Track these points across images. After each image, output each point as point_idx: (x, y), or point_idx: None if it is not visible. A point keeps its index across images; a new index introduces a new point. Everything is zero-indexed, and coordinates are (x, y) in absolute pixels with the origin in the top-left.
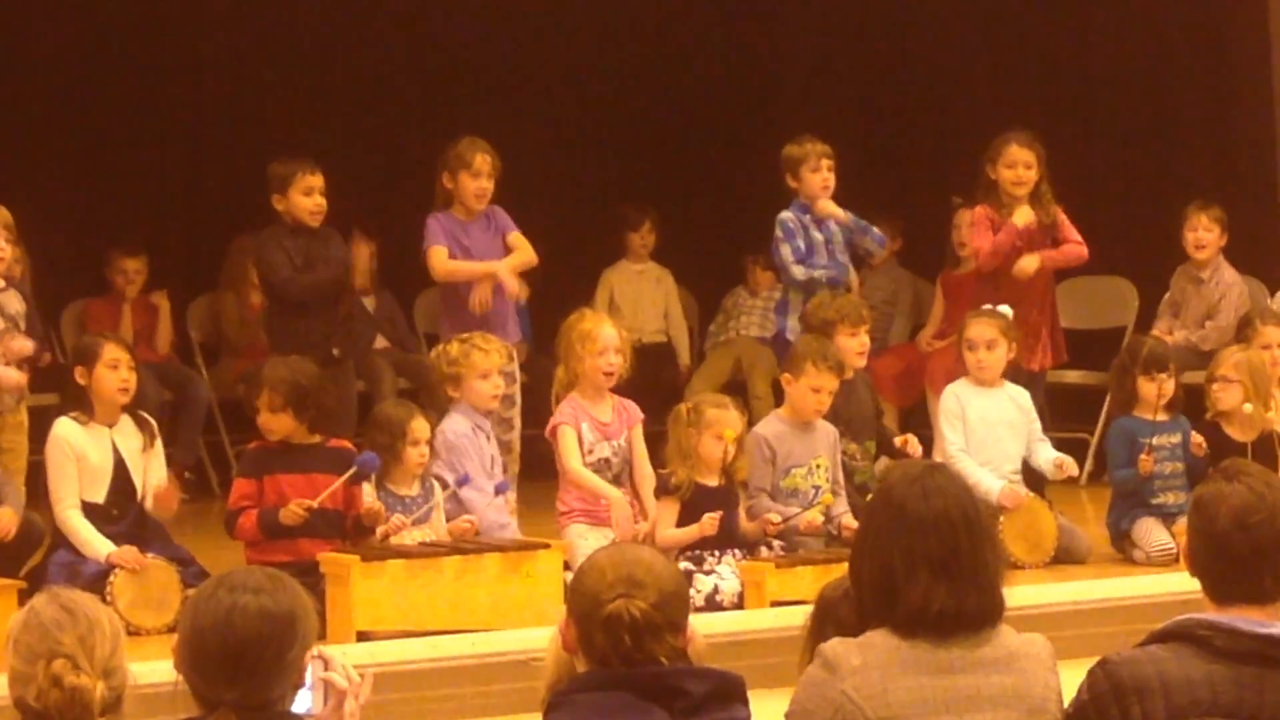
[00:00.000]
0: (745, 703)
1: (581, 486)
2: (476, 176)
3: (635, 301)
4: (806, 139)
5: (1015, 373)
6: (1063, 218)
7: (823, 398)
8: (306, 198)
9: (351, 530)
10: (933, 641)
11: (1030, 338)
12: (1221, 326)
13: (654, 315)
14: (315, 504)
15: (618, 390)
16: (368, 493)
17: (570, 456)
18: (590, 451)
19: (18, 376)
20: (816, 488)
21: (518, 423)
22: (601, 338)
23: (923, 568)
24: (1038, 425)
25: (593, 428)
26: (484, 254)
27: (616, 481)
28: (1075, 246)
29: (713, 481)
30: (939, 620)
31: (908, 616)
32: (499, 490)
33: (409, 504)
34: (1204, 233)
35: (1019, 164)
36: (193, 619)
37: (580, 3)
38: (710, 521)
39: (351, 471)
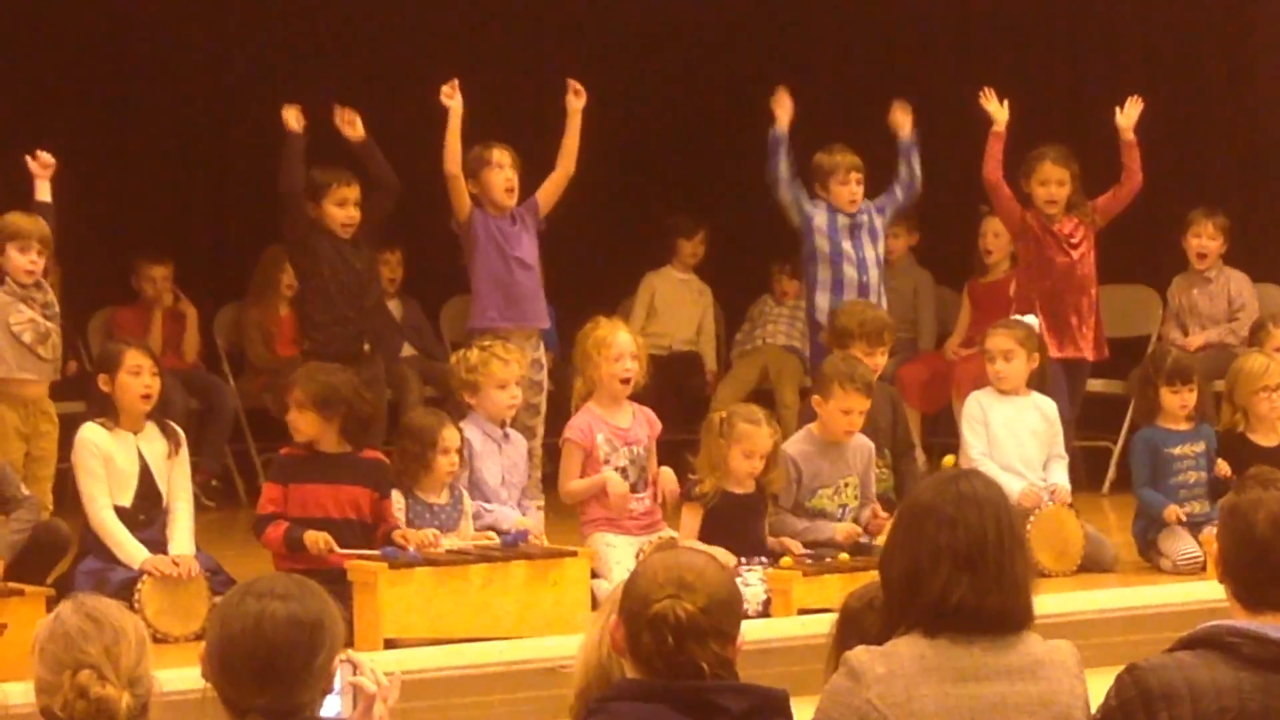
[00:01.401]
0: (788, 717)
1: (577, 497)
2: (500, 168)
3: (675, 308)
4: (837, 149)
5: (1068, 364)
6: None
7: (853, 418)
8: (339, 209)
9: (381, 543)
10: (954, 640)
11: (1081, 325)
12: (1251, 311)
13: (688, 325)
14: (340, 553)
15: (645, 398)
16: (394, 502)
17: (565, 477)
18: (607, 461)
19: None
20: (844, 507)
21: (540, 430)
22: (616, 344)
23: (947, 560)
24: (1060, 440)
25: (609, 436)
26: (521, 247)
27: (634, 489)
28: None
29: (741, 490)
30: (958, 615)
31: (928, 609)
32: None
33: (438, 512)
34: (1208, 240)
35: (1051, 181)
36: (221, 627)
37: (594, 7)
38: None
39: (381, 553)
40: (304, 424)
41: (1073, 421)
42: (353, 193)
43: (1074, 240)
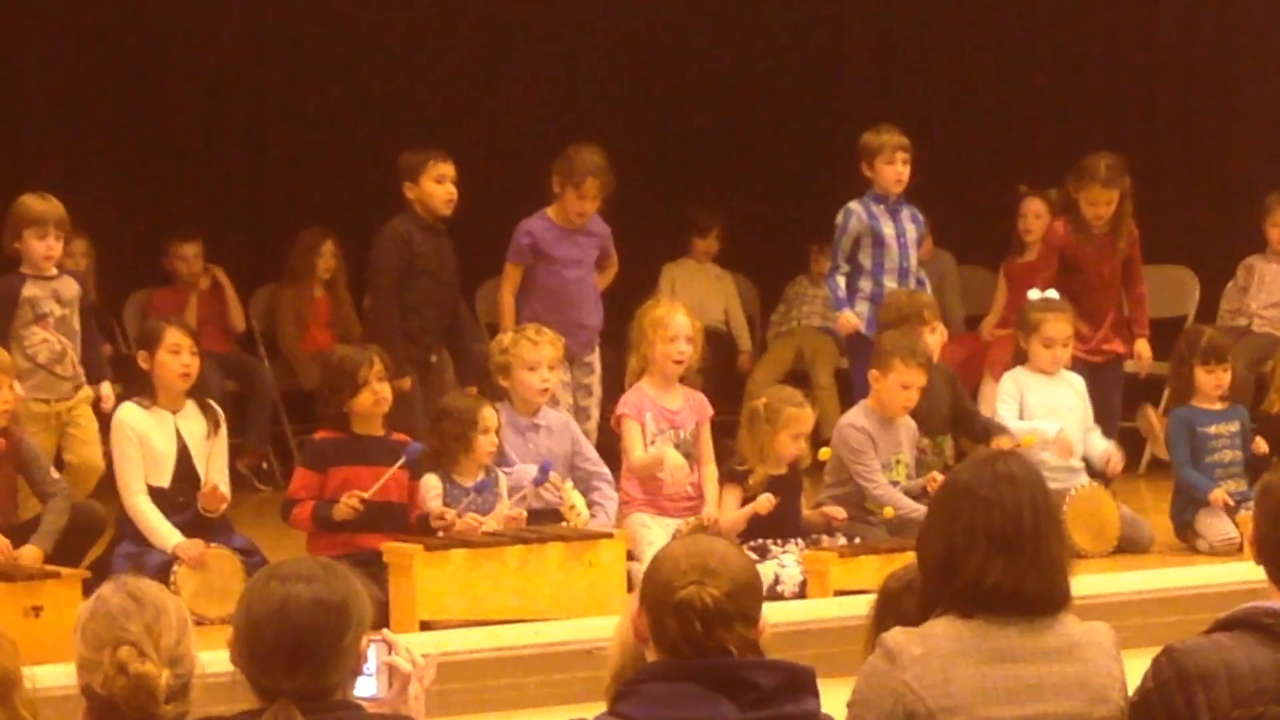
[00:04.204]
0: (815, 694)
1: (643, 471)
2: (583, 199)
3: (697, 294)
4: (884, 129)
5: (1112, 361)
6: (1136, 253)
7: (911, 394)
8: (439, 185)
9: (416, 528)
10: (990, 621)
11: (1112, 323)
12: None
13: (713, 304)
14: (368, 495)
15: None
16: (432, 486)
17: (634, 450)
18: (652, 441)
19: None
20: (895, 483)
21: (595, 413)
22: (673, 325)
23: (983, 541)
24: (1090, 414)
25: (657, 416)
26: (571, 263)
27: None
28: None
29: (777, 471)
30: (994, 596)
31: (964, 589)
32: (541, 474)
33: (472, 493)
34: None
35: (1100, 203)
36: (248, 611)
37: None
38: (765, 501)
39: (401, 461)
40: (385, 394)
41: (1117, 414)
42: (449, 169)
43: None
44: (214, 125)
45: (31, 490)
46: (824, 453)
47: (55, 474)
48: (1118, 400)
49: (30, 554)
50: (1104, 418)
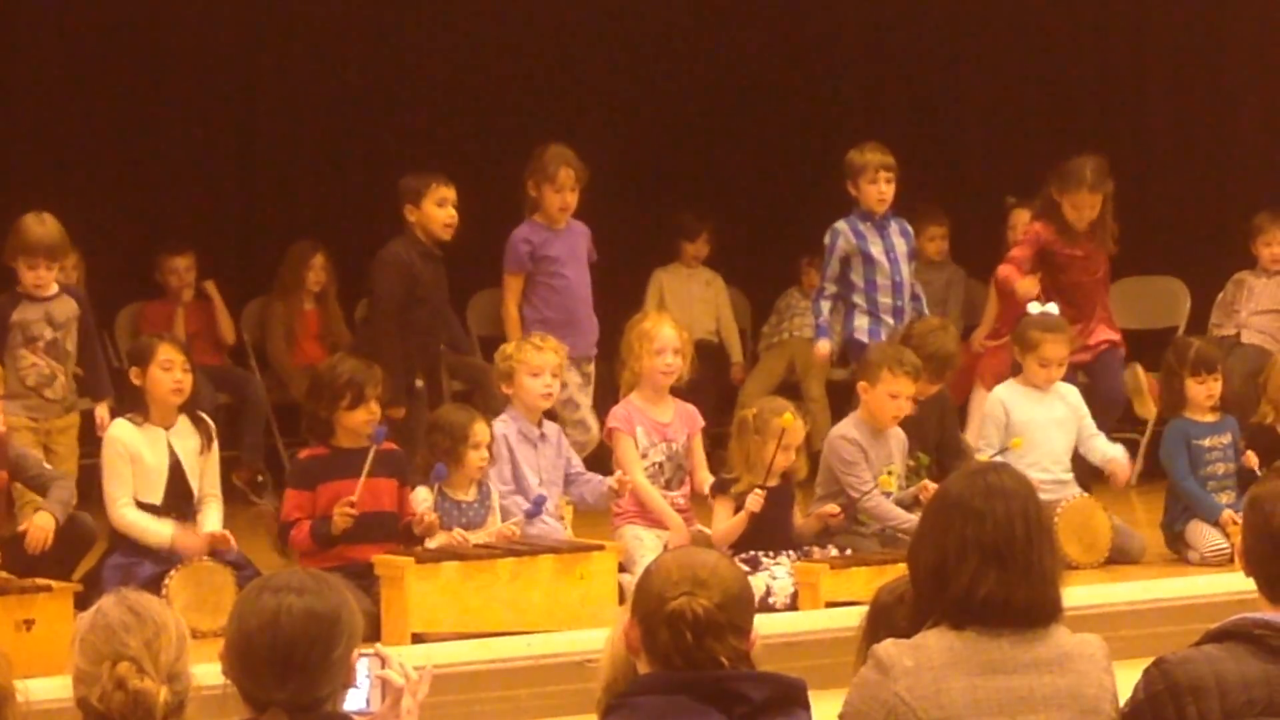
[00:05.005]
0: (806, 707)
1: (645, 503)
2: (559, 191)
3: (686, 301)
4: (869, 147)
5: (1107, 351)
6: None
7: (900, 403)
8: (440, 209)
9: (404, 537)
10: (981, 632)
11: (1099, 320)
12: None
13: (704, 314)
14: (355, 497)
15: (673, 389)
16: (424, 498)
17: (634, 468)
18: (644, 455)
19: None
20: (888, 494)
21: (593, 423)
22: (660, 337)
23: (975, 553)
24: (1089, 420)
25: (649, 430)
26: (569, 260)
27: (667, 486)
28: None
29: (770, 482)
30: (985, 608)
31: (955, 601)
32: (534, 506)
33: (465, 509)
34: (1278, 247)
35: (1085, 206)
36: (239, 622)
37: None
38: (756, 498)
39: (373, 447)
40: (372, 415)
41: (1121, 402)
42: (450, 193)
43: (1087, 261)
44: (204, 138)
45: (28, 487)
46: (786, 419)
47: (49, 466)
48: (1120, 388)
49: (41, 519)
50: (1107, 408)
